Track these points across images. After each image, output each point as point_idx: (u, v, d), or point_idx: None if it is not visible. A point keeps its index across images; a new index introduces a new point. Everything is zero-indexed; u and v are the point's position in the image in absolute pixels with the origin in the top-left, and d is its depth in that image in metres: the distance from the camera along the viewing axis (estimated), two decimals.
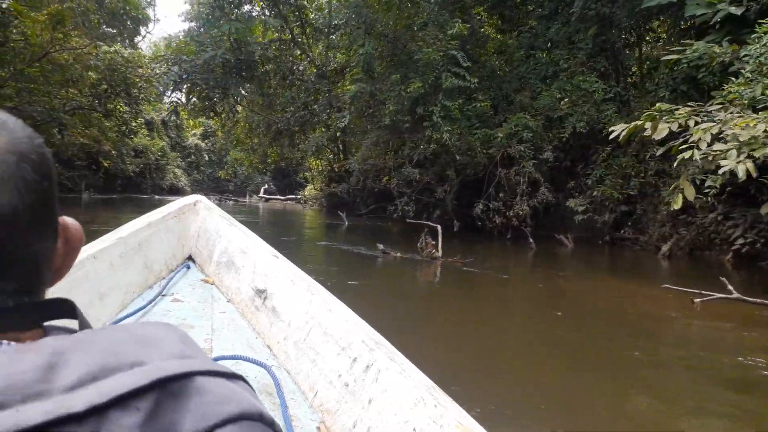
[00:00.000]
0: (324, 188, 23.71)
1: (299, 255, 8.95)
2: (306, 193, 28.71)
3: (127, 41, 20.72)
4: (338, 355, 1.55)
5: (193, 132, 46.74)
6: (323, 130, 12.82)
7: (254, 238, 2.41)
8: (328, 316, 1.69)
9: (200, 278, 2.47)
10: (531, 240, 11.06)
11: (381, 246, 9.09)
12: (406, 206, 10.58)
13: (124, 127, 19.11)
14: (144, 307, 2.04)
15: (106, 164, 30.11)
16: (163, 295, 2.21)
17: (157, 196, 30.76)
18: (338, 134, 17.03)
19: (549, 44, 12.48)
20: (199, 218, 2.69)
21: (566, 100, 11.13)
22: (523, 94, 11.45)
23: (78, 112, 17.42)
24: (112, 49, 17.39)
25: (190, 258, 2.66)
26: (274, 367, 1.71)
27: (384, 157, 10.57)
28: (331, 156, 23.18)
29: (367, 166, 10.98)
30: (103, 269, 1.97)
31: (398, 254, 8.97)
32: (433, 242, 8.81)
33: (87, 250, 1.91)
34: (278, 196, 32.93)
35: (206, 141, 45.87)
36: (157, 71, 16.89)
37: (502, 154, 10.78)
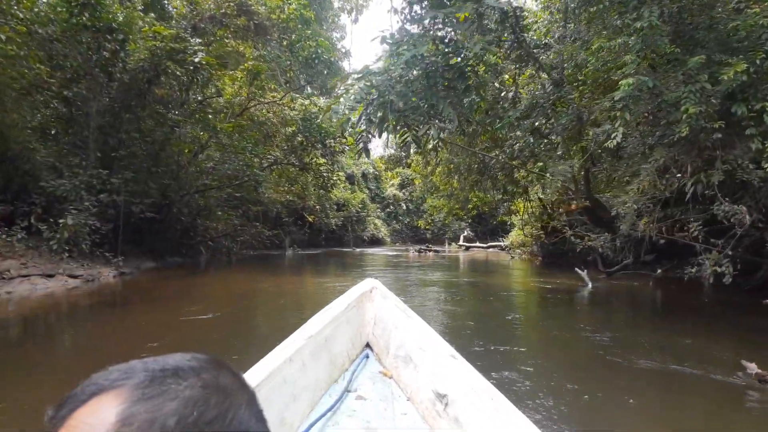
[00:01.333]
0: (537, 234, 19.90)
1: (542, 364, 5.56)
2: (511, 240, 25.11)
3: (321, 89, 20.28)
4: None
5: (391, 182, 46.90)
6: (567, 157, 9.41)
7: (431, 333, 2.33)
8: None
9: (379, 370, 2.45)
10: None
11: (750, 366, 4.48)
12: (719, 265, 6.30)
13: (322, 180, 18.06)
14: (332, 407, 2.06)
15: (311, 219, 30.72)
16: (348, 391, 2.23)
17: (357, 249, 30.21)
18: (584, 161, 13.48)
19: None
20: (375, 305, 2.71)
21: None
22: None
23: (275, 168, 16.87)
24: (307, 101, 16.55)
25: (368, 345, 2.66)
26: None
27: (669, 187, 6.63)
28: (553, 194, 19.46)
29: (641, 203, 7.21)
30: (296, 370, 1.99)
31: None
32: None
33: (282, 353, 1.95)
34: (479, 244, 29.84)
35: (404, 190, 45.47)
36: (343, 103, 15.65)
37: None
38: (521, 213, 20.53)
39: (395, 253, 26.11)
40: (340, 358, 2.41)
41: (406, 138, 6.31)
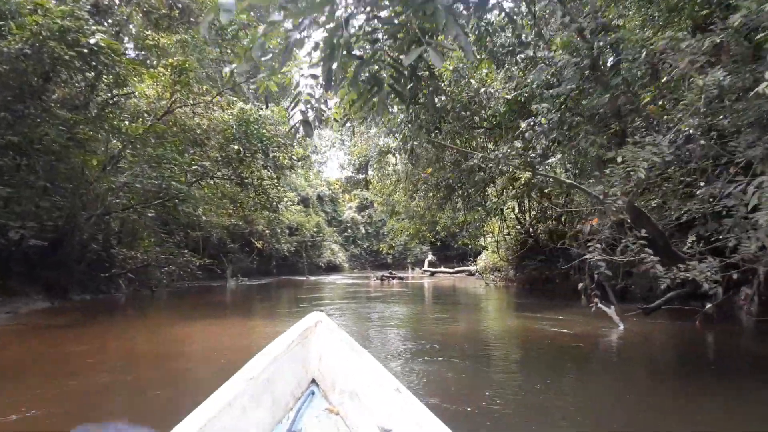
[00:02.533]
0: (513, 258, 17.70)
1: None
2: (482, 264, 22.91)
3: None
4: None
5: (349, 205, 44.42)
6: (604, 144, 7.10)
7: (377, 367, 2.34)
8: None
9: (325, 407, 2.41)
10: None
11: None
12: None
13: (266, 198, 15.26)
14: None
15: (259, 245, 27.76)
16: (293, 431, 2.20)
17: (312, 277, 27.35)
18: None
19: None
20: (321, 340, 2.64)
21: None
22: None
23: (205, 183, 14.03)
24: (248, 105, 13.91)
25: (313, 381, 2.60)
26: None
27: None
28: (517, 212, 17.33)
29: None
30: (236, 416, 1.94)
31: None
32: None
33: (221, 397, 1.91)
34: (445, 269, 27.52)
35: (362, 213, 43.01)
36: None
37: None
38: (496, 233, 18.32)
39: (354, 281, 23.45)
40: (284, 397, 2.36)
41: (373, 94, 3.40)
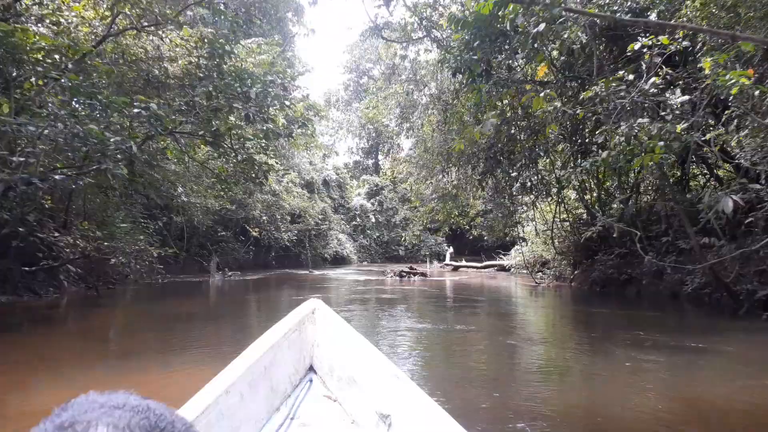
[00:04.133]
0: (574, 251, 13.82)
1: None
2: (515, 258, 19.00)
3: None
4: None
5: (358, 191, 40.55)
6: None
7: (375, 353, 2.33)
8: None
9: (323, 394, 2.42)
10: None
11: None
12: None
13: (249, 167, 11.16)
14: None
15: (255, 233, 24.01)
16: (291, 418, 2.18)
17: (316, 271, 23.56)
18: None
19: None
20: (318, 327, 2.64)
21: None
22: None
23: (164, 141, 10.07)
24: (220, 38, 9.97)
25: (311, 369, 2.61)
26: None
27: None
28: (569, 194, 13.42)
29: None
30: (235, 402, 1.92)
31: None
32: None
33: (219, 385, 1.87)
34: (469, 263, 23.55)
35: (372, 200, 39.12)
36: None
37: None
38: (549, 217, 14.34)
39: (366, 276, 19.60)
40: (282, 384, 2.35)
41: None
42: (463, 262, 23.96)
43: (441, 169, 13.94)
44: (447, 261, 24.51)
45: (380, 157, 48.66)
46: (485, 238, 36.35)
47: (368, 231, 37.65)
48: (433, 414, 1.79)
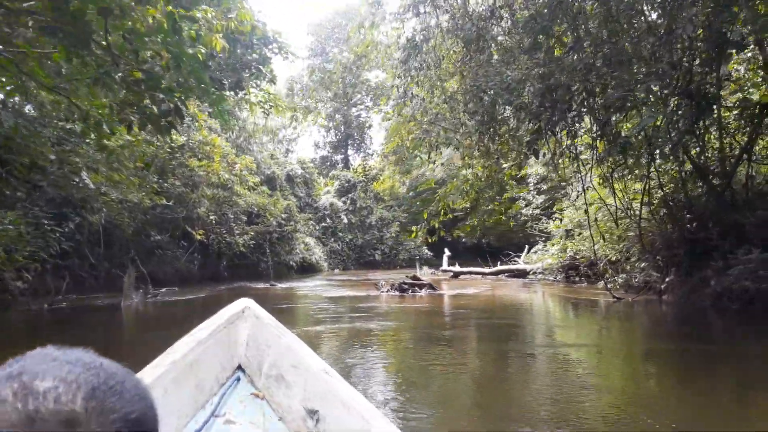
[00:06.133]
0: (660, 251, 9.31)
1: None
2: (549, 262, 14.43)
3: None
4: None
5: (327, 189, 35.54)
6: None
7: (305, 350, 2.28)
8: None
9: (250, 392, 2.35)
10: None
11: None
12: None
13: (145, 96, 5.99)
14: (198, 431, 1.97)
15: (199, 237, 18.70)
16: (216, 416, 2.12)
17: (280, 284, 18.40)
18: None
19: None
20: (248, 326, 2.54)
21: None
22: None
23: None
24: None
25: (240, 368, 2.51)
26: None
27: None
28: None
29: None
30: (158, 397, 1.41)
31: None
32: None
33: (143, 379, 1.48)
34: (477, 269, 18.82)
35: (344, 198, 34.16)
36: None
37: None
38: (643, 188, 9.61)
39: (349, 291, 14.58)
40: (208, 382, 2.27)
41: None
42: (464, 268, 19.21)
43: (465, 130, 9.16)
44: (445, 266, 19.73)
45: (350, 152, 43.75)
46: (462, 238, 32.05)
47: (340, 233, 32.61)
48: (362, 408, 1.77)
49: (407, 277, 13.17)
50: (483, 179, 9.45)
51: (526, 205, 19.15)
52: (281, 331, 2.41)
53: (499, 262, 19.95)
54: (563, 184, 13.97)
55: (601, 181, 9.23)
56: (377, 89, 40.96)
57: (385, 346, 6.72)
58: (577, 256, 12.58)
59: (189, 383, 2.11)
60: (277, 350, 2.34)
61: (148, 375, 1.87)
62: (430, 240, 9.78)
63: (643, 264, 9.65)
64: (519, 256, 18.55)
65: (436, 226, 15.07)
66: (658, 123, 7.08)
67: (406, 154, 40.16)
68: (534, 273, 15.29)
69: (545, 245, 16.26)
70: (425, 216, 9.83)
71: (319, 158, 43.26)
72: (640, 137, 7.41)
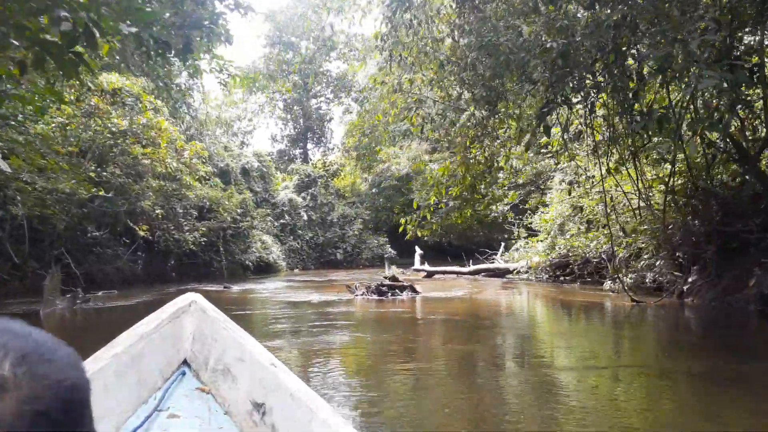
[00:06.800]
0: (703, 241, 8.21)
1: None
2: (538, 259, 13.26)
3: None
4: None
5: (285, 184, 33.60)
6: None
7: (252, 343, 2.22)
8: None
9: (196, 386, 2.26)
10: None
11: None
12: None
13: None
14: (140, 426, 1.89)
15: (143, 232, 16.61)
16: (159, 410, 2.03)
17: (236, 287, 16.56)
18: None
19: None
20: (194, 320, 2.45)
21: None
22: None
23: None
24: None
25: (185, 362, 2.41)
26: None
27: None
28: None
29: None
30: (97, 392, 1.66)
31: None
32: None
33: None
34: (453, 268, 17.53)
35: (303, 194, 32.33)
36: None
37: None
38: (672, 167, 8.44)
39: (318, 295, 12.91)
40: (152, 377, 2.18)
41: None
42: (438, 267, 17.88)
43: (458, 104, 7.72)
44: (417, 266, 18.35)
45: (310, 146, 41.86)
46: (444, 239, 30.64)
47: (299, 231, 30.75)
48: (309, 400, 1.77)
49: (385, 278, 11.68)
50: (482, 163, 8.10)
51: (498, 201, 18.08)
52: (228, 325, 2.36)
53: (471, 261, 18.79)
54: (552, 174, 12.83)
55: (616, 165, 8.04)
56: (338, 81, 39.32)
57: (375, 371, 5.23)
58: (570, 254, 11.45)
59: (131, 377, 2.06)
60: (223, 344, 2.28)
61: (87, 368, 1.25)
62: (420, 234, 8.55)
63: (658, 262, 8.54)
64: (496, 255, 17.40)
65: (404, 222, 13.60)
66: (705, 92, 5.94)
67: (371, 146, 38.74)
68: (518, 272, 14.13)
69: (527, 242, 15.15)
70: (415, 205, 8.42)
71: (276, 152, 41.16)
72: (676, 110, 6.25)
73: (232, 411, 2.05)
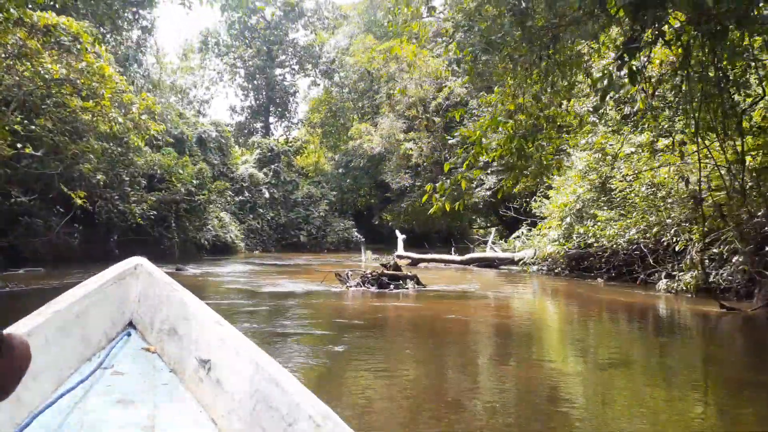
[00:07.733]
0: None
1: None
2: (551, 250, 11.63)
3: None
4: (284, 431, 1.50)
5: (245, 158, 30.94)
6: None
7: (197, 303, 2.22)
8: (274, 390, 1.58)
9: (141, 347, 2.25)
10: None
11: None
12: None
13: None
14: (82, 381, 1.88)
15: (81, 201, 13.92)
16: (104, 368, 2.04)
17: (191, 269, 14.21)
18: None
19: None
20: (140, 282, 2.43)
21: None
22: None
23: None
24: None
25: (131, 324, 2.40)
26: None
27: None
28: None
29: None
30: (38, 347, 1.70)
31: None
32: None
33: (21, 327, 1.76)
34: (442, 256, 15.74)
35: (265, 170, 29.80)
36: None
37: None
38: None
39: (296, 284, 10.68)
40: (96, 336, 2.17)
41: None
42: (425, 255, 16.04)
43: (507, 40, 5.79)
44: (400, 251, 16.43)
45: (272, 119, 39.06)
46: (407, 225, 28.84)
47: (260, 210, 28.26)
48: (253, 355, 1.75)
49: (383, 266, 9.68)
50: (531, 117, 6.28)
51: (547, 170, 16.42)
52: (175, 287, 2.34)
53: (453, 249, 17.14)
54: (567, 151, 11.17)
55: (688, 135, 6.39)
56: (305, 50, 36.67)
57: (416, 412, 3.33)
58: (595, 244, 9.84)
59: (74, 335, 2.03)
60: (169, 306, 2.27)
61: (28, 323, 1.77)
62: (457, 208, 7.10)
63: (736, 258, 6.97)
64: (486, 242, 15.77)
65: (429, 189, 11.55)
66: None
67: (339, 123, 36.30)
68: (523, 263, 12.49)
69: (530, 230, 13.56)
70: (447, 168, 6.50)
71: (235, 124, 38.19)
72: None
73: (178, 369, 2.06)
